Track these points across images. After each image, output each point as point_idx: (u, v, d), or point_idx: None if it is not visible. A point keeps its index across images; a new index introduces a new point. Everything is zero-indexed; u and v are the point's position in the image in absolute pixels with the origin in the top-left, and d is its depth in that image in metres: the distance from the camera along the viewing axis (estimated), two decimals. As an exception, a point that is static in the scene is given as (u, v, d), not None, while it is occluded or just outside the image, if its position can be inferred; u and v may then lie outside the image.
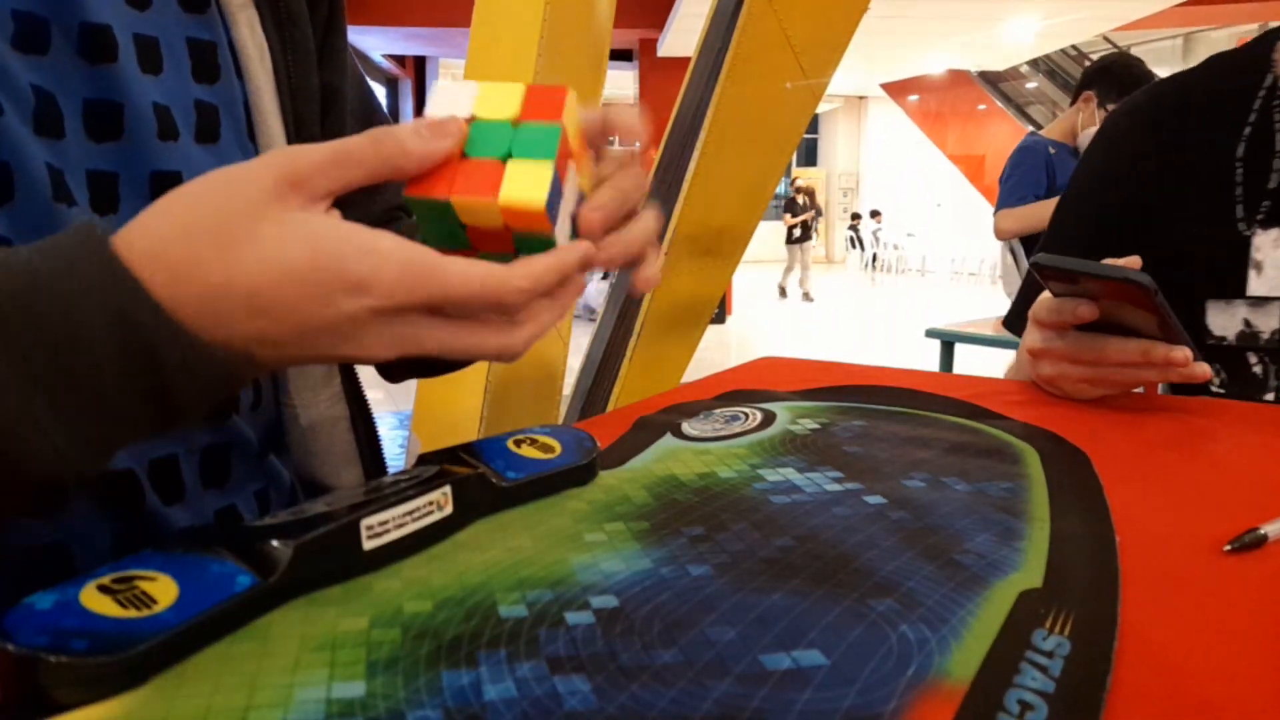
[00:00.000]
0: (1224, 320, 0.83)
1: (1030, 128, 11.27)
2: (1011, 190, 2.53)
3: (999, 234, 2.58)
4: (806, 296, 10.53)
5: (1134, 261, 0.68)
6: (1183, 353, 0.63)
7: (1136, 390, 0.72)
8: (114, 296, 0.30)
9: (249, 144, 0.50)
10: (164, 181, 0.44)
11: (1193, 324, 0.84)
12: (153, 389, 0.31)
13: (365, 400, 0.59)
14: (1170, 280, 0.84)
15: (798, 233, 11.05)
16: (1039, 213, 2.44)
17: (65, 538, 0.40)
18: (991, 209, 2.63)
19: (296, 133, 0.53)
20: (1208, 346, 0.84)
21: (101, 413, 0.30)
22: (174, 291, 0.31)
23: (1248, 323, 0.82)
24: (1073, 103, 2.55)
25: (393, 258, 0.32)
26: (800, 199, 11.38)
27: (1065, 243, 0.95)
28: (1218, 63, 0.90)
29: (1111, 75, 2.45)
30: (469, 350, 0.35)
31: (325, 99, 0.56)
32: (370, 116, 0.62)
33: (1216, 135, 0.85)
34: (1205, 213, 0.85)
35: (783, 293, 10.78)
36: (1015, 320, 0.93)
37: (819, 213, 12.01)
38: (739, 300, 9.54)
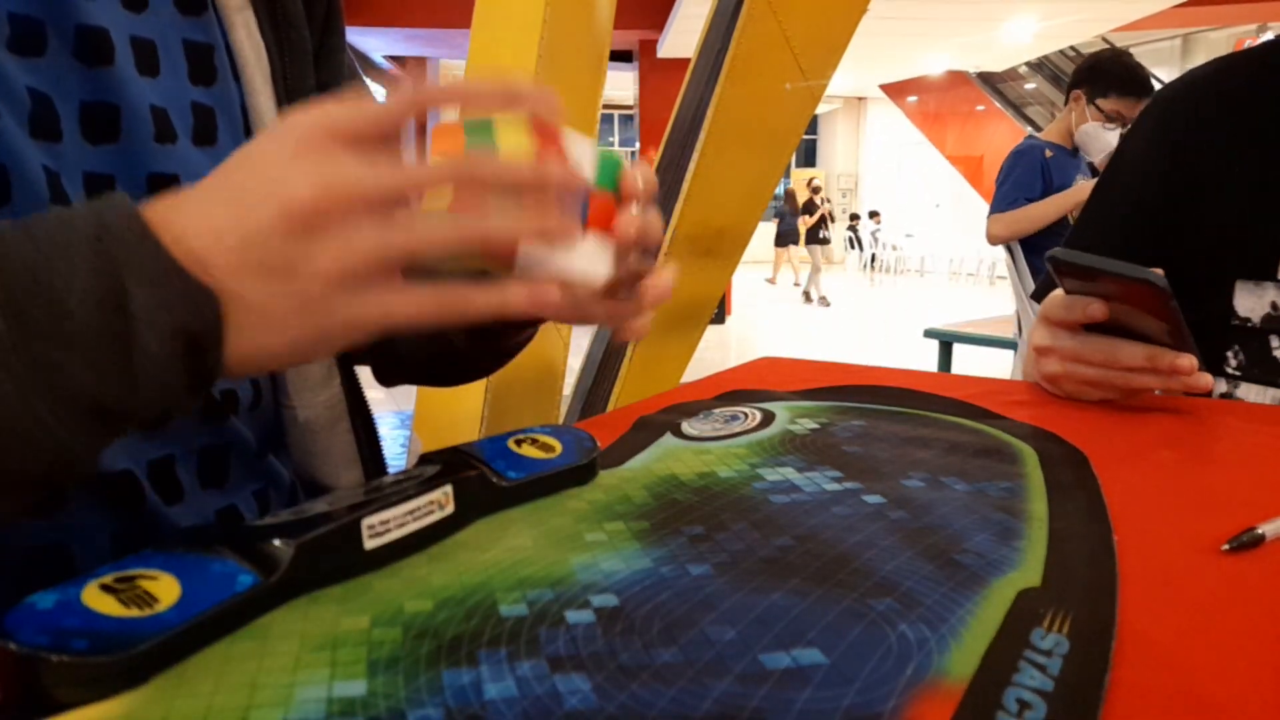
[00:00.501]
0: (1251, 302, 0.83)
1: (1029, 128, 11.26)
2: (1004, 195, 2.55)
3: (989, 239, 2.61)
4: (808, 298, 10.31)
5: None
6: (1188, 360, 0.63)
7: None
8: (101, 213, 0.30)
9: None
10: (161, 184, 0.44)
11: (1220, 304, 0.84)
12: (113, 295, 0.29)
13: (365, 400, 0.59)
14: (1202, 262, 0.84)
15: (824, 233, 10.83)
16: (1030, 215, 2.46)
17: (65, 538, 0.40)
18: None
19: None
20: (1231, 327, 0.84)
21: (59, 329, 0.29)
22: (154, 210, 0.31)
23: (1275, 305, 0.82)
24: (1066, 103, 2.56)
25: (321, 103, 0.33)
26: (817, 198, 11.18)
27: (1101, 224, 0.95)
28: (1273, 48, 0.90)
29: (1099, 71, 2.46)
30: (393, 185, 0.32)
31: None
32: None
33: (1261, 124, 0.85)
34: (1248, 201, 0.85)
35: (807, 298, 10.24)
36: (1043, 291, 0.94)
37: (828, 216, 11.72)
38: (739, 300, 9.54)
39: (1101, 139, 2.39)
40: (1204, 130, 0.89)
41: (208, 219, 0.31)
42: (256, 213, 0.31)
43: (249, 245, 0.31)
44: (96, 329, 0.29)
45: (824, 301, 10.00)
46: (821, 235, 10.91)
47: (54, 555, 0.40)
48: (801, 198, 11.49)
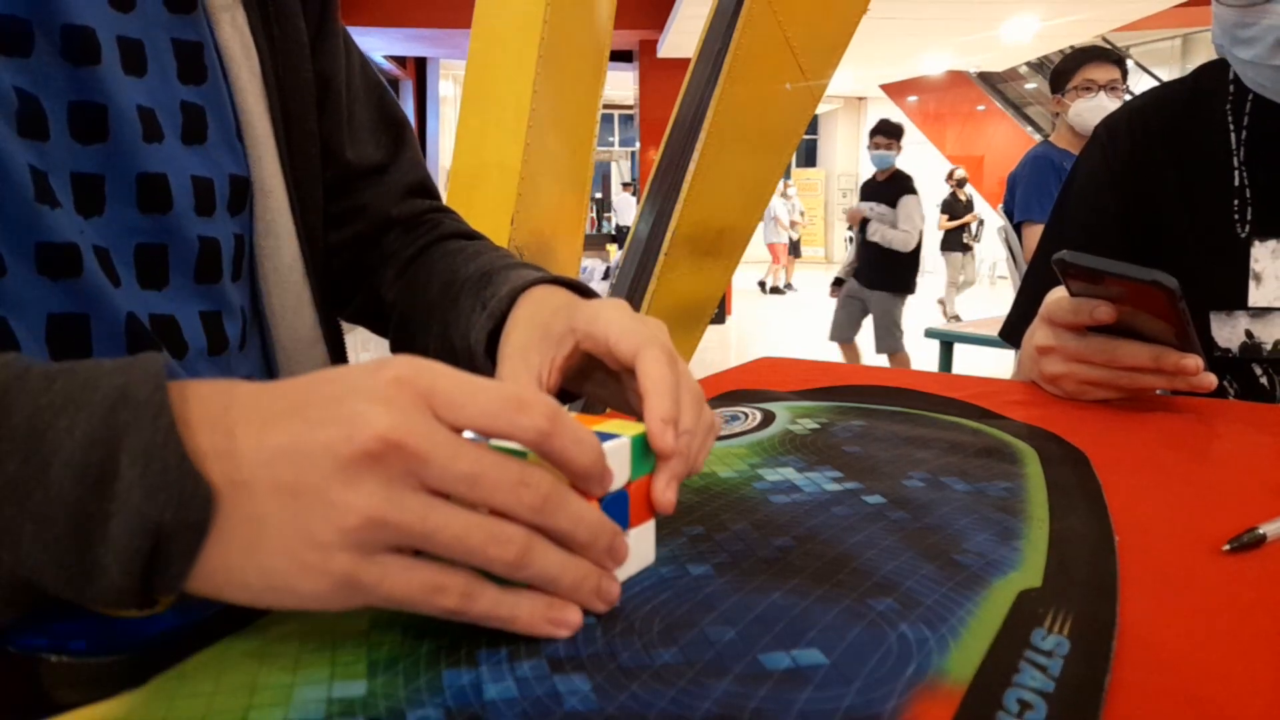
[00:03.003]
0: (1227, 332, 0.83)
1: (1029, 129, 11.22)
2: (1023, 204, 2.54)
3: (1027, 254, 2.61)
4: (955, 319, 7.21)
5: None
6: (1194, 361, 0.63)
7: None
8: (130, 378, 0.27)
9: (237, 143, 0.50)
10: (150, 183, 0.44)
11: (1199, 336, 0.84)
12: (99, 469, 0.26)
13: None
14: None
15: (967, 238, 8.05)
16: None
17: None
18: (992, 211, 2.65)
19: (286, 129, 0.53)
20: (1214, 359, 0.84)
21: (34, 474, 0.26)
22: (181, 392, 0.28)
23: (1250, 334, 0.82)
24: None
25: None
26: (961, 194, 8.27)
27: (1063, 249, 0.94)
28: (1206, 71, 0.90)
29: (1054, 71, 2.55)
30: (465, 469, 0.29)
31: (320, 89, 0.56)
32: (382, 100, 0.63)
33: (1208, 144, 0.85)
34: (1203, 222, 0.84)
35: (952, 316, 7.70)
36: (1013, 331, 0.91)
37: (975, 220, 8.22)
38: (739, 300, 9.54)
39: (1091, 108, 2.43)
40: (1149, 164, 0.88)
41: (261, 413, 0.28)
42: (317, 431, 0.28)
43: (291, 458, 0.28)
44: (68, 501, 0.26)
45: (955, 317, 7.49)
46: (964, 241, 8.05)
47: None
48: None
